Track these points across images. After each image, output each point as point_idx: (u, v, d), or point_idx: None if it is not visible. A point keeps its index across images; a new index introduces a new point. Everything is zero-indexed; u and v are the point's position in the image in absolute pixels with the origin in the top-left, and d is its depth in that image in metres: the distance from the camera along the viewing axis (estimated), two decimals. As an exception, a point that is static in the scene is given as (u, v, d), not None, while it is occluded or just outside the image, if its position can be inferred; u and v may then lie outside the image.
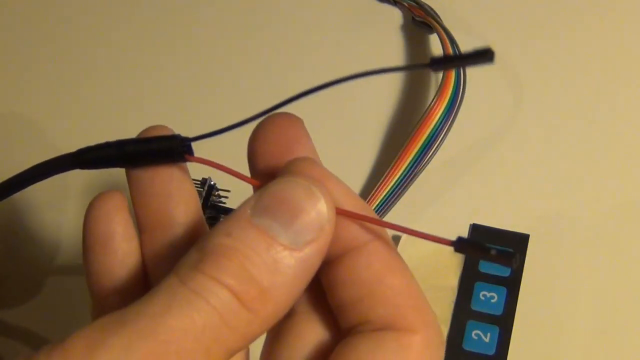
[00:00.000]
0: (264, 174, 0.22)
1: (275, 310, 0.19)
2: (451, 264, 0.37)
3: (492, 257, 0.20)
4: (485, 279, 0.37)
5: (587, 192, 0.39)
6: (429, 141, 0.35)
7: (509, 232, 0.38)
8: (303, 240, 0.19)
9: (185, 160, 0.25)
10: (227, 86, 0.42)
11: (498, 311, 0.37)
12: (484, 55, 0.21)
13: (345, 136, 0.40)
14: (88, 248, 0.24)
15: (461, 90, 0.36)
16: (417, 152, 0.35)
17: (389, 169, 0.36)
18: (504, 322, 0.36)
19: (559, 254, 0.38)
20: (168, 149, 0.25)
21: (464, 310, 0.36)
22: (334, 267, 0.21)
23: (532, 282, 0.37)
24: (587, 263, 0.38)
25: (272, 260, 0.19)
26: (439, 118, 0.35)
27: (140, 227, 0.24)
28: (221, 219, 0.35)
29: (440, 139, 0.35)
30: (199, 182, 0.36)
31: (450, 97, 0.35)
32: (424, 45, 0.43)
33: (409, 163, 0.35)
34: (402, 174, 0.35)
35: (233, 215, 0.19)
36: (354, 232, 0.21)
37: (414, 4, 0.42)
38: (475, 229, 0.38)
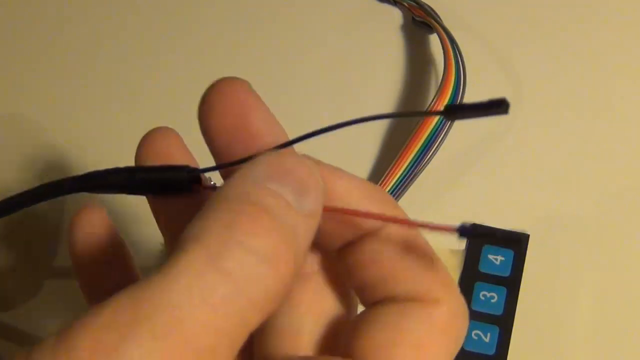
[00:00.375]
0: (224, 148, 0.22)
1: (295, 275, 0.18)
2: (451, 264, 0.37)
3: (498, 239, 0.19)
4: (485, 279, 0.37)
5: (587, 191, 0.39)
6: (429, 141, 0.35)
7: (509, 232, 0.38)
8: (308, 207, 0.19)
9: (192, 190, 0.24)
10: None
11: (498, 311, 0.37)
12: (499, 106, 0.20)
13: (345, 136, 0.40)
14: (78, 269, 0.24)
15: (461, 90, 0.36)
16: (417, 152, 0.35)
17: (389, 168, 0.36)
18: (504, 322, 0.36)
19: (559, 254, 0.38)
20: (176, 181, 0.25)
21: (464, 310, 0.36)
22: (352, 250, 0.21)
23: (532, 282, 0.37)
24: (587, 263, 0.38)
25: (293, 223, 0.18)
26: (439, 118, 0.35)
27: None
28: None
29: (440, 139, 0.35)
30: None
31: (450, 97, 0.35)
32: (424, 45, 0.43)
33: (409, 163, 0.35)
34: (402, 173, 0.35)
35: (237, 180, 0.19)
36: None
37: (414, 4, 0.42)
38: (474, 227, 0.38)
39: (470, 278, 0.37)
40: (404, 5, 0.43)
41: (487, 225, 0.18)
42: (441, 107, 0.36)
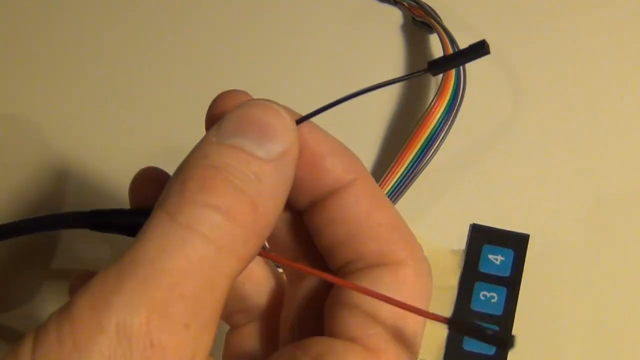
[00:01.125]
0: None
1: (267, 221, 0.20)
2: (451, 264, 0.37)
3: (487, 337, 0.19)
4: (485, 279, 0.37)
5: (587, 191, 0.39)
6: (429, 141, 0.35)
7: (509, 232, 0.38)
8: (275, 151, 0.20)
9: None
10: (225, 86, 0.42)
11: (498, 311, 0.37)
12: (480, 48, 0.21)
13: (345, 136, 0.40)
14: None
15: (461, 90, 0.36)
16: (417, 152, 0.35)
17: (389, 168, 0.36)
18: (504, 322, 0.36)
19: (559, 254, 0.38)
20: None
21: (464, 310, 0.36)
22: (321, 208, 0.22)
23: (532, 282, 0.37)
24: (587, 263, 0.38)
25: (254, 173, 0.19)
26: (439, 118, 0.35)
27: None
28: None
29: (440, 139, 0.35)
30: None
31: (450, 97, 0.35)
32: (424, 45, 0.43)
33: (409, 163, 0.35)
34: (402, 173, 0.35)
35: (201, 143, 0.20)
36: (338, 172, 0.22)
37: (414, 4, 0.42)
38: (475, 229, 0.38)
39: (471, 278, 0.37)
40: (404, 5, 0.43)
41: (476, 324, 0.18)
42: (441, 107, 0.36)
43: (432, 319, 0.20)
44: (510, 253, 0.38)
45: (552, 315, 0.37)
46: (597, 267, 0.38)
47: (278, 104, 0.21)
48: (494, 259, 0.38)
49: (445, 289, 0.37)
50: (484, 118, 0.41)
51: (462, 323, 0.21)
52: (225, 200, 0.19)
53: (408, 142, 0.36)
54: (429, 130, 0.36)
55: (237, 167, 0.19)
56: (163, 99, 0.43)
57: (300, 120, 0.23)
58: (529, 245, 0.38)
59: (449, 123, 0.35)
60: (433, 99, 0.36)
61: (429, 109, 0.35)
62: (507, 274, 0.37)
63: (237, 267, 0.19)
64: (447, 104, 0.35)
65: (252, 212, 0.19)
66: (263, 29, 0.45)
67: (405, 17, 0.44)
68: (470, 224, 0.38)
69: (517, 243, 0.38)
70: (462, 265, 0.37)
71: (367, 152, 0.40)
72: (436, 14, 0.41)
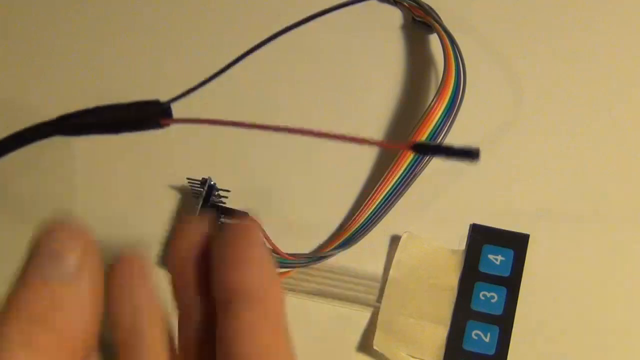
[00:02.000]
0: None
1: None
2: (451, 264, 0.37)
3: (456, 151, 0.20)
4: (485, 279, 0.37)
5: (587, 191, 0.39)
6: (430, 140, 0.35)
7: (509, 232, 0.38)
8: (67, 270, 0.21)
9: (161, 126, 0.26)
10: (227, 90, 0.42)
11: (498, 311, 0.37)
12: (470, 154, 0.20)
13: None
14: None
15: (461, 90, 0.36)
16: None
17: (389, 169, 0.36)
18: (504, 322, 0.36)
19: (559, 254, 0.38)
20: (147, 116, 0.26)
21: (464, 310, 0.36)
22: None
23: (532, 282, 0.37)
24: (587, 262, 0.38)
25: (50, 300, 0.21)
26: (439, 118, 0.35)
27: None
28: (221, 219, 0.35)
29: (440, 139, 0.35)
30: (198, 182, 0.36)
31: (450, 97, 0.35)
32: (424, 45, 0.43)
33: (409, 163, 0.35)
34: (402, 173, 0.35)
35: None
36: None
37: (414, 3, 0.42)
38: (475, 228, 0.38)
39: (471, 278, 0.37)
40: (404, 5, 0.43)
41: (441, 144, 0.17)
42: (441, 107, 0.36)
43: (393, 147, 0.20)
44: (510, 253, 0.38)
45: (552, 315, 0.37)
46: (596, 267, 0.38)
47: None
48: (494, 259, 0.38)
49: (446, 289, 0.37)
50: (484, 118, 0.41)
51: (427, 145, 0.21)
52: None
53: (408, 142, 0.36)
54: (429, 130, 0.36)
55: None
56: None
57: (169, 102, 0.25)
58: (529, 245, 0.38)
59: (449, 123, 0.35)
60: (433, 99, 0.36)
61: (429, 109, 0.35)
62: (507, 273, 0.37)
63: None
64: (447, 104, 0.35)
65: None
66: (263, 28, 0.44)
67: (405, 17, 0.44)
68: (470, 224, 0.38)
69: (517, 243, 0.38)
70: (462, 265, 0.37)
71: (367, 151, 0.40)
72: (436, 14, 0.41)
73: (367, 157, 0.40)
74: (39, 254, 0.21)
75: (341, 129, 0.40)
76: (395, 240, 0.37)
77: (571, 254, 0.38)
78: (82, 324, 0.21)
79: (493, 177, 0.39)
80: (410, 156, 0.34)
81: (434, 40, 0.42)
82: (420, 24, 0.42)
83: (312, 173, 0.39)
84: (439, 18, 0.40)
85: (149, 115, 0.26)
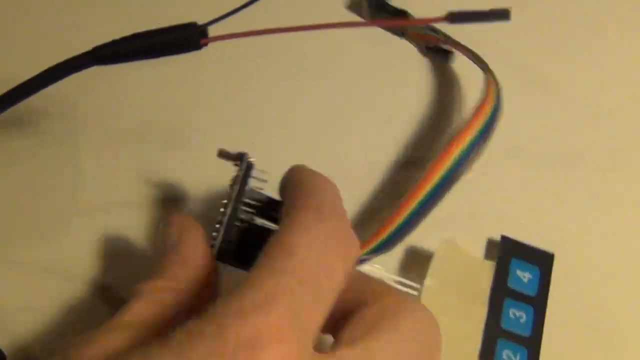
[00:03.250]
0: None
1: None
2: (484, 277, 0.35)
3: (488, 15, 0.24)
4: (514, 295, 0.35)
5: (614, 209, 0.39)
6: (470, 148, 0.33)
7: (536, 248, 0.36)
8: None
9: (201, 47, 0.27)
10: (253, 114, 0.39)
11: (527, 332, 0.34)
12: (502, 15, 0.24)
13: (380, 130, 0.39)
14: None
15: (499, 110, 0.34)
16: (459, 156, 0.33)
17: (435, 160, 0.33)
18: (532, 344, 0.34)
19: (586, 273, 0.37)
20: (187, 37, 0.27)
21: (494, 328, 0.34)
22: None
23: (558, 302, 0.35)
24: (614, 282, 0.37)
25: None
26: (476, 134, 0.33)
27: None
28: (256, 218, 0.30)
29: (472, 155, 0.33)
30: (232, 156, 0.30)
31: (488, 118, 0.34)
32: (438, 72, 0.41)
33: (462, 151, 0.33)
34: (452, 164, 0.33)
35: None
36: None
37: (431, 33, 0.42)
38: (504, 239, 0.36)
39: (500, 294, 0.35)
40: (413, 36, 0.42)
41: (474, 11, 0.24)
42: (475, 132, 0.34)
43: (430, 22, 0.25)
44: (537, 271, 0.36)
45: (579, 337, 0.35)
46: (624, 286, 0.37)
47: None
48: (522, 275, 0.36)
49: (477, 304, 0.34)
50: (516, 128, 0.39)
51: (462, 13, 0.24)
52: None
53: (450, 145, 0.33)
54: (465, 144, 0.33)
55: None
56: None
57: (206, 25, 0.27)
58: (555, 265, 0.36)
59: (485, 141, 0.34)
60: (464, 122, 0.34)
61: (468, 123, 0.33)
62: (534, 293, 0.35)
63: None
64: (486, 120, 0.34)
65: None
66: (278, 63, 0.42)
67: (417, 46, 0.43)
68: (501, 235, 0.36)
69: (543, 261, 0.36)
70: (492, 279, 0.35)
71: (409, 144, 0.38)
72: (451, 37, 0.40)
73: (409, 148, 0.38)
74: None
75: (381, 115, 0.38)
76: (427, 254, 0.35)
77: (598, 272, 0.37)
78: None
79: (520, 191, 0.38)
80: (461, 146, 0.32)
81: (446, 69, 0.42)
82: (436, 51, 0.42)
83: (342, 168, 0.36)
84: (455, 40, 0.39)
85: (188, 36, 0.27)
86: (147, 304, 0.24)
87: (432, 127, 0.40)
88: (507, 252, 0.36)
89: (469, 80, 0.42)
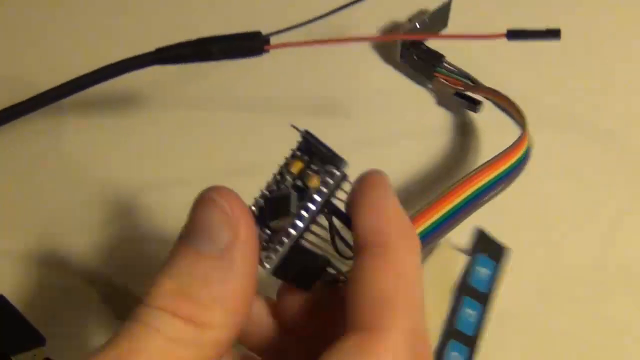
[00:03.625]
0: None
1: (226, 317, 0.21)
2: (456, 272, 0.34)
3: (541, 34, 0.27)
4: (472, 293, 0.35)
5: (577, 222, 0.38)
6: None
7: (497, 243, 0.36)
8: (219, 247, 0.21)
9: (263, 52, 0.29)
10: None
11: (471, 331, 0.34)
12: (554, 34, 0.27)
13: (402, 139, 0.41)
14: None
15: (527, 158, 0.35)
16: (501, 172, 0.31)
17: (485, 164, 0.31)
18: (473, 342, 0.35)
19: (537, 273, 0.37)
20: (253, 44, 0.29)
21: (449, 328, 0.34)
22: None
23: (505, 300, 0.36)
24: (564, 287, 0.37)
25: (202, 273, 0.21)
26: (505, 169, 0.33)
27: None
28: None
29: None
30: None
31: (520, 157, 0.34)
32: (465, 117, 0.41)
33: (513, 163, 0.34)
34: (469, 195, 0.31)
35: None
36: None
37: (460, 78, 0.41)
38: (477, 233, 0.35)
39: (462, 290, 0.34)
40: (441, 80, 0.42)
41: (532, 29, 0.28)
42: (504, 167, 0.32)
43: (485, 38, 0.28)
44: (493, 267, 0.36)
45: (522, 342, 0.36)
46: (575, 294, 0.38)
47: (224, 194, 0.22)
48: (481, 271, 0.35)
49: (444, 299, 0.34)
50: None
51: (519, 30, 0.28)
52: (170, 303, 0.21)
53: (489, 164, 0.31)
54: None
55: (187, 272, 0.21)
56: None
57: (269, 35, 0.29)
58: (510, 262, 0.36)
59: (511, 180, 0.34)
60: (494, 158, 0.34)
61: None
62: (486, 290, 0.35)
63: (196, 356, 0.21)
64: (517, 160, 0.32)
65: (199, 310, 0.21)
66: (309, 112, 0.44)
67: (440, 90, 0.43)
68: (476, 229, 0.35)
69: (499, 256, 0.36)
70: (461, 274, 0.34)
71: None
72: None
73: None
74: (194, 228, 0.22)
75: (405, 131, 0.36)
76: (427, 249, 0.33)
77: (550, 276, 0.37)
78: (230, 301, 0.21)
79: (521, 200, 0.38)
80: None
81: (472, 115, 0.41)
82: (464, 98, 0.41)
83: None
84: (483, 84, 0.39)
85: (254, 43, 0.29)
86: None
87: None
88: (477, 247, 0.35)
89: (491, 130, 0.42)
